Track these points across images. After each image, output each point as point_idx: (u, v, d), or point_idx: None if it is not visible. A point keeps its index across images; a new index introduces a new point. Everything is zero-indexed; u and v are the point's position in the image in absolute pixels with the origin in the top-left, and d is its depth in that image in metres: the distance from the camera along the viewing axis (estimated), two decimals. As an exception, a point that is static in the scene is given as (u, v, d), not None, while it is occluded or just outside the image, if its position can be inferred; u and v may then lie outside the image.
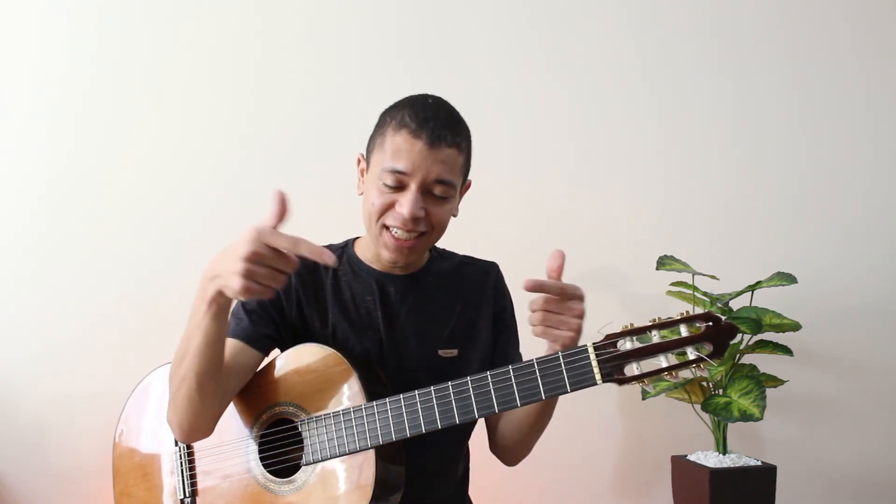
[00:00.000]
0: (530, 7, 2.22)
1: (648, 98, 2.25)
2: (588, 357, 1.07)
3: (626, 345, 1.06)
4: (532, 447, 1.36)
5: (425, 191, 1.22)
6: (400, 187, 1.22)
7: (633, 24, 2.26)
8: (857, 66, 2.31)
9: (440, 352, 1.31)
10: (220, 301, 1.08)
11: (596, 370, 1.07)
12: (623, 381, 1.06)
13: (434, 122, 1.22)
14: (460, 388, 1.15)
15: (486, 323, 1.37)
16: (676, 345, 1.05)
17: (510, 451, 1.38)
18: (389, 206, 1.23)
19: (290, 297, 1.30)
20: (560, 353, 1.09)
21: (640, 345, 1.05)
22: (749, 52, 2.29)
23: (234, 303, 1.31)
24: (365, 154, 1.32)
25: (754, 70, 2.28)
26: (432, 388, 1.16)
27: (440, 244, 1.41)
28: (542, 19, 2.23)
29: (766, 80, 2.29)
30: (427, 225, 1.24)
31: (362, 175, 1.32)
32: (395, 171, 1.21)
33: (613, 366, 1.06)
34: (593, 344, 1.08)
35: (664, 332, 1.06)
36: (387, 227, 1.24)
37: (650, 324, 1.06)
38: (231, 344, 1.26)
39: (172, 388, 1.19)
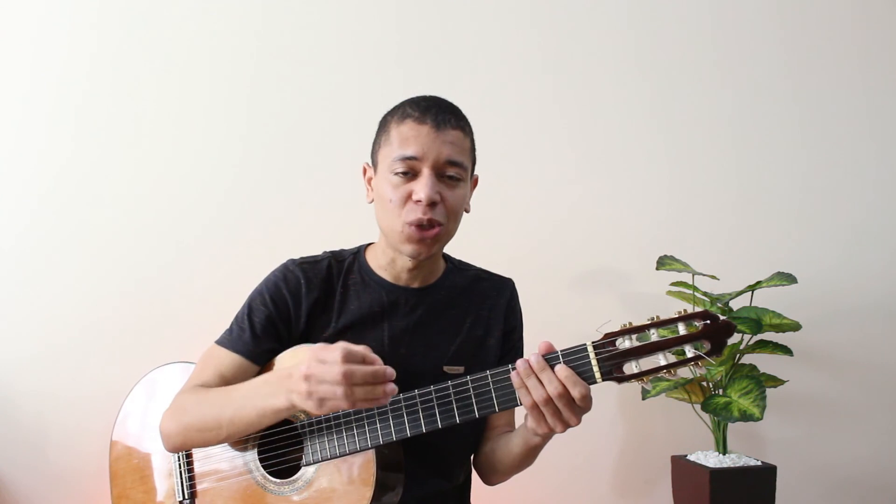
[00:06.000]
0: (532, 9, 2.22)
1: (650, 99, 2.25)
2: (588, 356, 1.07)
3: (624, 343, 1.06)
4: (507, 478, 1.36)
5: (438, 174, 1.23)
6: (413, 176, 1.22)
7: (634, 24, 2.25)
8: (858, 66, 2.31)
9: (445, 368, 1.30)
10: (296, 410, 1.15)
11: (595, 369, 1.07)
12: (622, 379, 1.06)
13: (436, 109, 1.24)
14: (461, 388, 1.15)
15: (496, 341, 1.36)
16: (674, 343, 1.05)
17: (485, 472, 1.38)
18: (406, 199, 1.22)
19: (299, 307, 1.30)
20: (559, 353, 1.09)
21: (639, 343, 1.06)
22: (750, 53, 2.28)
23: (241, 310, 1.32)
24: (370, 161, 1.32)
25: (755, 70, 2.28)
26: (432, 387, 1.16)
27: (449, 252, 1.40)
28: (545, 21, 2.22)
29: (766, 80, 2.28)
30: (443, 214, 1.23)
31: (370, 183, 1.32)
32: (406, 158, 1.22)
33: (613, 364, 1.06)
34: (592, 343, 1.08)
35: (662, 330, 1.06)
36: (408, 224, 1.23)
37: (648, 322, 1.06)
38: (233, 359, 1.28)
39: (193, 426, 1.22)
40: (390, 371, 1.07)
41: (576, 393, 1.05)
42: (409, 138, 1.22)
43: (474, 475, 1.43)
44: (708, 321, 1.04)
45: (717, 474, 1.84)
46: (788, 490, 2.03)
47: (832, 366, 2.23)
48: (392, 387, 1.07)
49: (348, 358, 1.05)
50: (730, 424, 1.94)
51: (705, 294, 1.94)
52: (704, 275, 1.95)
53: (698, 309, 1.08)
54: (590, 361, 1.07)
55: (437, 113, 1.23)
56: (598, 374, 1.07)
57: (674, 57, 2.26)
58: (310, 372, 1.06)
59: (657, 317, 1.06)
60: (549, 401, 1.06)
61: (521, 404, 1.11)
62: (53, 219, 2.01)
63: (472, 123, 1.31)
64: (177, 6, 2.08)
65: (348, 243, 1.41)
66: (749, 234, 2.25)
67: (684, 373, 1.96)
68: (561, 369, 1.06)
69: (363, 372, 1.05)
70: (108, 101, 2.05)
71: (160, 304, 2.02)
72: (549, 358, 1.08)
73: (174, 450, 1.30)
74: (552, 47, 2.22)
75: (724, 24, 2.28)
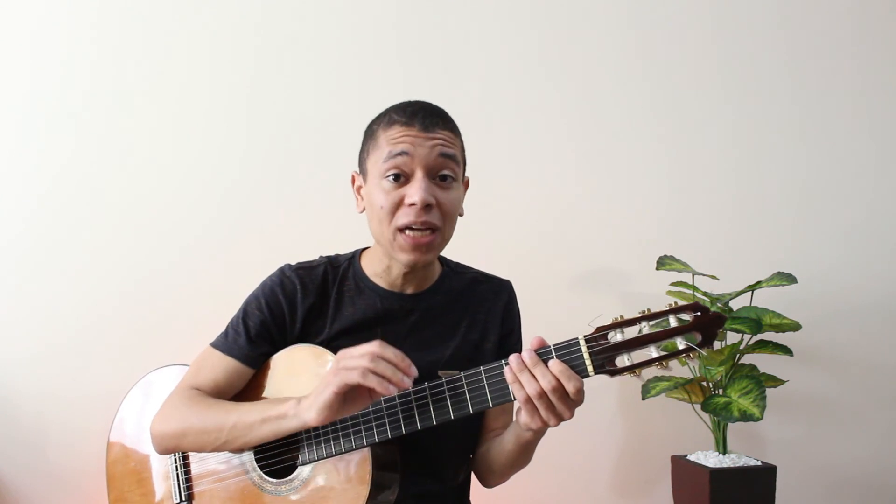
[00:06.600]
0: (531, 9, 2.22)
1: (649, 98, 2.25)
2: (580, 350, 1.07)
3: (616, 336, 1.07)
4: (504, 479, 1.36)
5: (431, 176, 1.22)
6: (405, 179, 1.22)
7: (634, 24, 2.25)
8: (858, 66, 2.31)
9: (440, 373, 1.28)
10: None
11: (588, 362, 1.07)
12: (614, 372, 1.07)
13: (423, 112, 1.24)
14: (455, 384, 1.15)
15: (493, 345, 1.36)
16: (665, 335, 1.05)
17: (482, 473, 1.39)
18: (399, 204, 1.22)
19: (295, 312, 1.30)
20: (552, 347, 1.09)
21: (631, 336, 1.06)
22: (750, 53, 2.28)
23: (237, 313, 1.32)
24: (359, 170, 1.32)
25: (755, 70, 2.28)
26: (426, 384, 1.16)
27: (448, 253, 1.40)
28: (543, 21, 2.22)
29: (766, 79, 2.28)
30: (438, 217, 1.23)
31: (359, 192, 1.31)
32: (397, 156, 1.21)
33: (605, 357, 1.07)
34: (584, 336, 1.08)
35: (653, 323, 1.06)
36: (400, 230, 1.22)
37: (639, 315, 1.06)
38: (227, 362, 1.28)
39: (193, 428, 1.23)
40: (415, 369, 1.10)
41: (570, 387, 1.06)
42: (398, 139, 1.21)
43: (474, 477, 1.43)
44: (698, 313, 1.04)
45: (717, 474, 1.84)
46: (788, 490, 2.03)
47: (832, 366, 2.22)
48: (409, 381, 1.09)
49: (383, 345, 1.10)
50: (730, 424, 1.94)
51: (705, 294, 1.94)
52: (704, 275, 1.95)
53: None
54: (582, 355, 1.07)
55: (424, 116, 1.23)
56: (590, 368, 1.07)
57: (674, 57, 2.26)
58: (343, 353, 1.11)
59: (648, 310, 1.06)
60: (542, 395, 1.07)
61: (514, 399, 1.11)
62: (53, 219, 2.02)
63: (471, 123, 1.31)
64: (176, 6, 2.09)
65: (347, 246, 1.41)
66: (749, 234, 2.24)
67: (684, 372, 1.96)
68: (554, 364, 1.06)
69: (392, 352, 1.09)
70: (107, 102, 2.06)
71: (160, 305, 2.02)
72: (542, 353, 1.08)
73: (165, 452, 1.30)
74: (552, 47, 2.22)
75: (724, 25, 2.28)
